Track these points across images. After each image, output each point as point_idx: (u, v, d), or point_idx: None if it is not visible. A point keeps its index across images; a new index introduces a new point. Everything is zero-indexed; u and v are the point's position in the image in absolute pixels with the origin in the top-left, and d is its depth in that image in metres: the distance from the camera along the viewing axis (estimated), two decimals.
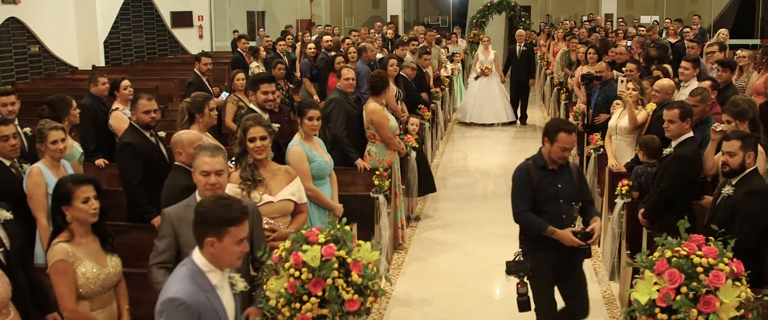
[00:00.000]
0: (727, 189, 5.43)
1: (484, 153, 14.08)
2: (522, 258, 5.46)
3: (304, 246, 4.48)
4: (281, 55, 13.90)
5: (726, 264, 4.27)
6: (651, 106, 8.14)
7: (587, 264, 6.13)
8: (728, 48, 13.17)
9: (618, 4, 25.34)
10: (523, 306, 5.48)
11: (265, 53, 14.41)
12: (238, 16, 27.87)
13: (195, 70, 10.60)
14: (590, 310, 5.71)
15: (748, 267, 4.41)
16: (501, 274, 7.37)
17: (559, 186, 5.40)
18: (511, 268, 5.46)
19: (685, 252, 4.35)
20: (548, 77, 17.20)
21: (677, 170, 6.17)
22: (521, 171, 5.48)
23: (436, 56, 15.36)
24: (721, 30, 14.78)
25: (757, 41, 24.41)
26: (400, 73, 10.77)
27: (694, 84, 8.51)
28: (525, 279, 5.43)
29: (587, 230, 5.34)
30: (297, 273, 4.39)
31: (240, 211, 3.47)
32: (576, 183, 5.48)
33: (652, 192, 6.52)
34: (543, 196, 5.40)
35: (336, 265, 4.41)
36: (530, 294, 5.48)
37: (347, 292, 4.38)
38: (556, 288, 5.61)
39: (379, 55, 13.28)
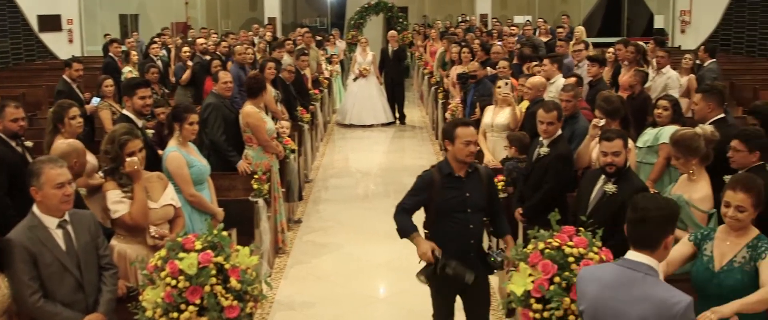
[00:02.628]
0: (611, 187, 5.45)
1: (364, 154, 14.17)
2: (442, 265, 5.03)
3: (181, 254, 4.40)
4: (154, 58, 13.51)
5: (595, 253, 4.45)
6: (524, 103, 8.36)
7: None
8: (592, 45, 13.77)
9: (492, 4, 25.87)
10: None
11: (136, 57, 14.00)
12: (111, 20, 26.95)
13: (64, 76, 10.10)
14: None
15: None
16: (383, 274, 7.37)
17: (467, 194, 5.17)
18: (420, 271, 5.12)
19: (557, 244, 4.50)
20: (426, 77, 17.44)
21: (561, 169, 6.33)
22: (422, 178, 5.24)
23: (314, 58, 15.33)
24: (577, 27, 15.45)
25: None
26: (279, 75, 10.70)
27: (561, 80, 8.85)
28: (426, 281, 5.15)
29: (499, 259, 5.21)
30: (174, 282, 4.30)
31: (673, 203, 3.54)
32: (486, 192, 5.27)
33: (530, 191, 6.56)
34: (450, 205, 5.15)
35: (214, 272, 4.35)
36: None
37: (226, 299, 4.33)
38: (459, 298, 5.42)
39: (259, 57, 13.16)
